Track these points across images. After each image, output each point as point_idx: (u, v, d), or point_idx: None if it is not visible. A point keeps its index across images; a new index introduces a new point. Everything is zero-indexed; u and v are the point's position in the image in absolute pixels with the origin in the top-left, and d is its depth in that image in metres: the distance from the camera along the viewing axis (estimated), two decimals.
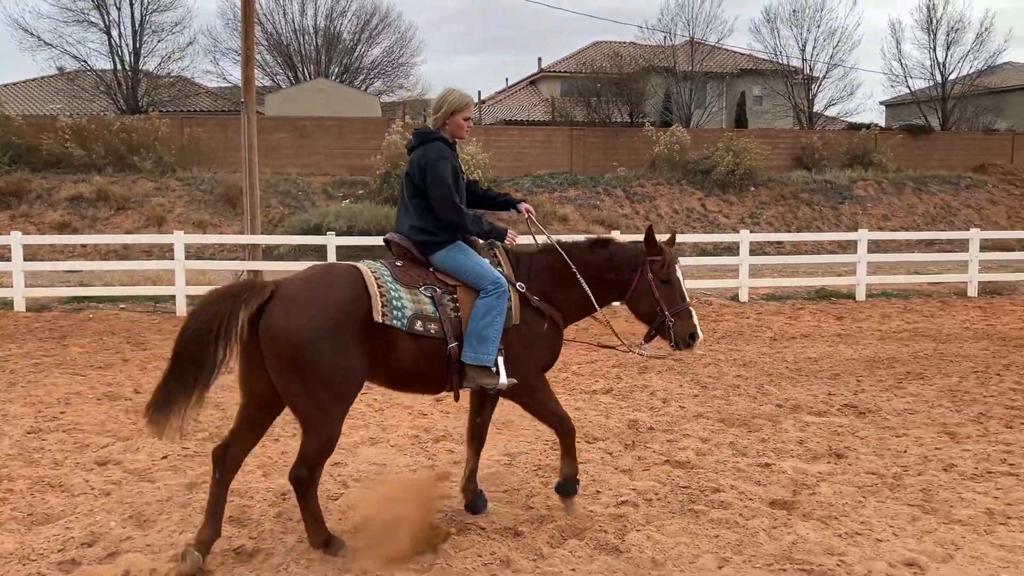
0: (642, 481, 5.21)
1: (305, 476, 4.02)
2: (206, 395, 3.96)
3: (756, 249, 22.00)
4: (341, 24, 36.54)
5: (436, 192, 4.37)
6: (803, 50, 34.51)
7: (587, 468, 5.41)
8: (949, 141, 32.70)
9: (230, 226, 20.86)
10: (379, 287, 4.12)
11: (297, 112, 26.62)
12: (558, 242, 4.72)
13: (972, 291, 15.08)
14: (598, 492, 4.99)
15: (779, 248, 23.01)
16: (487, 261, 4.47)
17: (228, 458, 4.13)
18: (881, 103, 46.15)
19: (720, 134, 28.23)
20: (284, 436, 6.16)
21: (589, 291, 4.54)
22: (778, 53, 34.87)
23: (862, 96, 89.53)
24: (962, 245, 16.57)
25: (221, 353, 3.87)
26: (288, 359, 3.88)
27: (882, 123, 40.38)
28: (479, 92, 38.38)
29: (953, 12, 48.89)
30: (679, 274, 4.67)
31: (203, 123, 25.66)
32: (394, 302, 4.12)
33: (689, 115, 32.27)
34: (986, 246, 17.03)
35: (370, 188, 23.02)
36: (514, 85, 42.68)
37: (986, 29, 36.02)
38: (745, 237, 14.81)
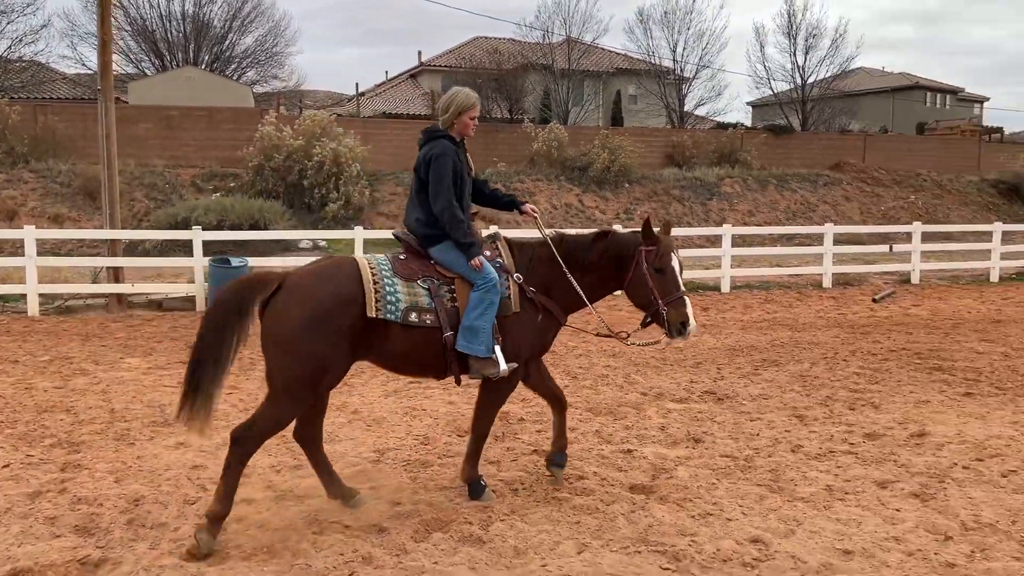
0: (509, 472, 5.28)
1: (247, 438, 4.20)
2: (221, 385, 4.28)
3: None
4: (211, 11, 35.09)
5: (434, 188, 4.59)
6: (674, 51, 35.76)
7: (456, 461, 5.43)
8: (808, 141, 34.64)
9: (90, 220, 19.66)
10: (374, 282, 4.38)
11: (164, 101, 25.37)
12: (562, 236, 4.95)
13: (827, 282, 16.06)
14: (464, 484, 5.01)
15: None
16: (486, 253, 4.65)
17: (307, 438, 4.66)
18: (747, 104, 48.44)
19: (596, 132, 28.87)
20: (140, 440, 5.89)
21: (576, 283, 4.73)
22: (651, 53, 35.99)
23: (729, 97, 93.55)
24: (818, 239, 17.59)
25: (236, 341, 4.25)
26: (275, 342, 4.24)
27: (748, 123, 42.36)
28: (356, 85, 37.85)
29: (811, 19, 51.74)
30: (674, 263, 4.74)
31: (60, 111, 24.06)
32: (388, 296, 4.38)
33: (567, 112, 32.84)
34: (840, 240, 18.13)
35: (242, 181, 22.23)
36: (394, 78, 42.20)
37: (840, 36, 38.40)
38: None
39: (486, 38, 37.70)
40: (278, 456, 5.56)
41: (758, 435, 6.14)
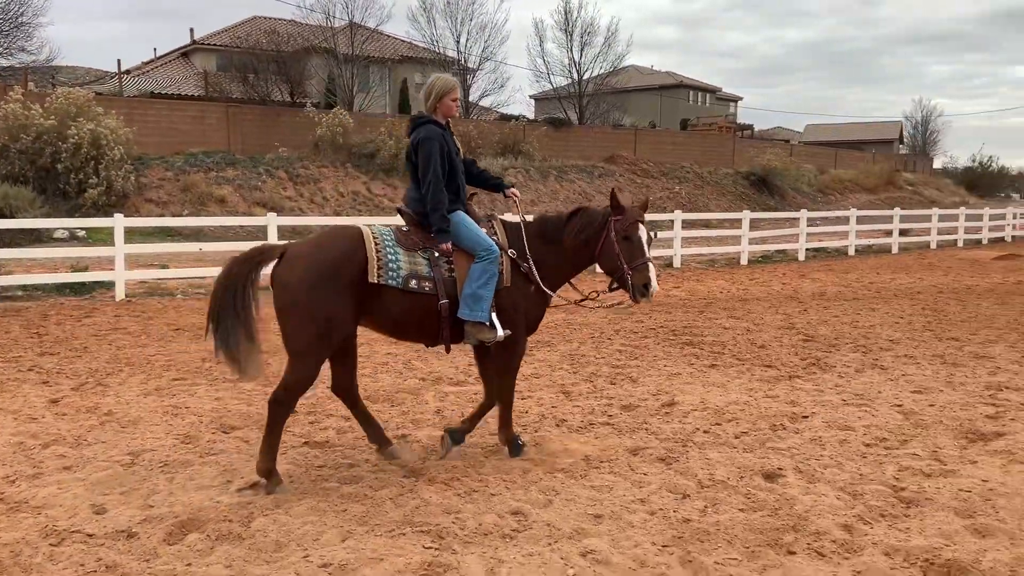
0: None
1: (283, 399, 4.65)
2: (257, 335, 4.70)
3: None
4: None
5: (423, 170, 4.92)
6: (458, 42, 36.24)
7: (219, 459, 5.21)
8: (585, 134, 36.45)
9: None
10: (377, 250, 4.70)
11: None
12: (543, 216, 5.44)
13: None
14: (228, 482, 4.82)
15: None
16: (481, 230, 4.98)
17: (344, 392, 5.14)
18: (530, 96, 50.09)
19: (383, 119, 28.64)
20: None
21: (557, 258, 5.17)
22: (435, 43, 36.21)
23: (512, 89, 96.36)
24: None
25: (246, 301, 4.64)
26: (284, 305, 4.60)
27: (531, 115, 43.82)
28: (119, 61, 34.83)
29: (586, 16, 54.29)
30: (640, 232, 5.06)
31: None
32: (390, 264, 4.71)
33: (352, 98, 32.28)
34: None
35: None
36: (163, 56, 39.39)
37: (612, 34, 40.70)
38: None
39: (265, 18, 36.17)
40: (14, 466, 5.04)
41: (527, 412, 6.40)
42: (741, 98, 66.12)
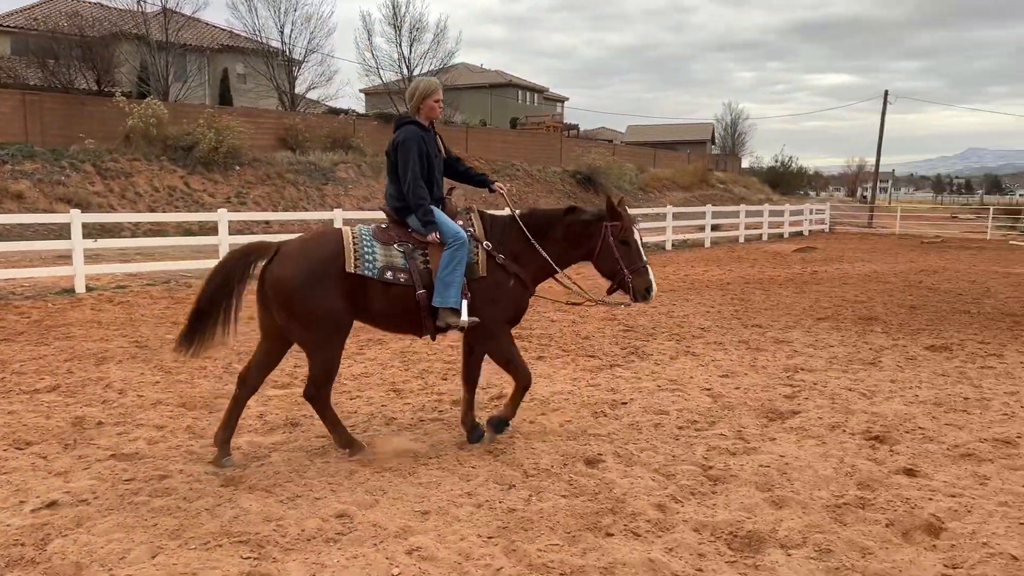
0: (79, 482, 4.74)
1: (315, 393, 5.12)
2: (228, 333, 5.04)
3: (244, 228, 21.84)
4: None
5: (402, 170, 5.20)
6: (282, 32, 35.01)
7: (11, 478, 4.75)
8: None
9: None
10: (354, 245, 5.03)
11: None
12: (532, 210, 5.64)
13: None
14: (21, 503, 4.40)
15: (268, 228, 23.14)
16: (452, 220, 5.23)
17: (249, 379, 5.27)
18: (360, 91, 49.25)
19: (203, 110, 27.19)
20: None
21: (543, 252, 5.35)
22: (257, 32, 34.80)
23: (340, 82, 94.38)
24: None
25: (234, 299, 5.00)
26: (283, 302, 4.93)
27: (361, 109, 43.11)
28: None
29: (415, 12, 54.11)
30: (636, 236, 5.33)
31: None
32: (367, 256, 5.02)
33: (167, 88, 30.43)
34: None
35: None
36: None
37: (441, 31, 40.72)
38: (223, 216, 14.54)
39: None
40: None
41: (356, 412, 6.29)
42: (567, 98, 68.24)
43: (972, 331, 10.20)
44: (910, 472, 4.99)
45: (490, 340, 5.37)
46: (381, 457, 5.17)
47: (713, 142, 77.98)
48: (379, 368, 7.85)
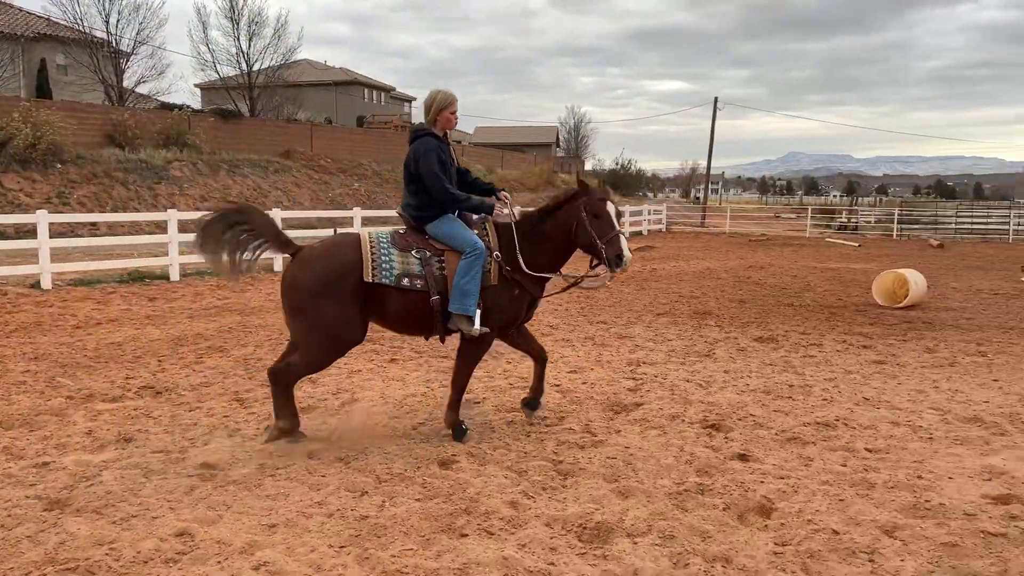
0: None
1: (283, 376, 5.38)
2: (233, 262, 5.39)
3: (67, 231, 20.24)
4: None
5: (428, 180, 5.38)
6: (107, 22, 32.74)
7: None
8: (258, 127, 35.00)
9: None
10: (372, 252, 5.26)
11: None
12: (524, 214, 5.75)
13: (278, 265, 16.43)
14: None
15: (94, 230, 21.59)
16: (469, 230, 5.45)
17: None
18: (196, 86, 46.89)
19: (16, 103, 25.01)
20: None
21: (546, 254, 5.60)
22: (79, 21, 32.37)
23: (173, 77, 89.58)
24: None
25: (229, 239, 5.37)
26: (294, 306, 5.25)
27: (198, 105, 41.06)
28: None
29: (253, 6, 52.08)
30: (609, 208, 5.44)
31: None
32: (384, 264, 5.26)
33: None
34: (292, 224, 18.73)
35: None
36: None
37: (282, 26, 39.46)
38: (43, 218, 13.43)
39: None
40: None
41: (195, 424, 5.97)
42: (414, 98, 67.88)
43: (795, 323, 11.02)
44: (743, 457, 5.31)
45: (478, 341, 5.54)
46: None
47: (558, 144, 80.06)
48: (220, 377, 7.50)
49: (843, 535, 4.09)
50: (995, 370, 8.12)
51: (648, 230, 34.39)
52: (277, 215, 16.63)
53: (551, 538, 4.05)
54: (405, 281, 5.29)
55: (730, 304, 12.90)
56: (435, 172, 5.39)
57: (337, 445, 5.45)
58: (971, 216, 42.98)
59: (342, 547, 3.91)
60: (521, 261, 5.49)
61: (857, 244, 28.95)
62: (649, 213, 35.86)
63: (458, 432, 5.62)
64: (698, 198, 70.06)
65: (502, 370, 7.85)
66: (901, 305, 12.47)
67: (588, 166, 76.49)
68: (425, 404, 6.58)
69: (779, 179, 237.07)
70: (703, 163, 55.88)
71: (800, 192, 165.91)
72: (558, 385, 7.24)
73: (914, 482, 4.87)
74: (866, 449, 5.51)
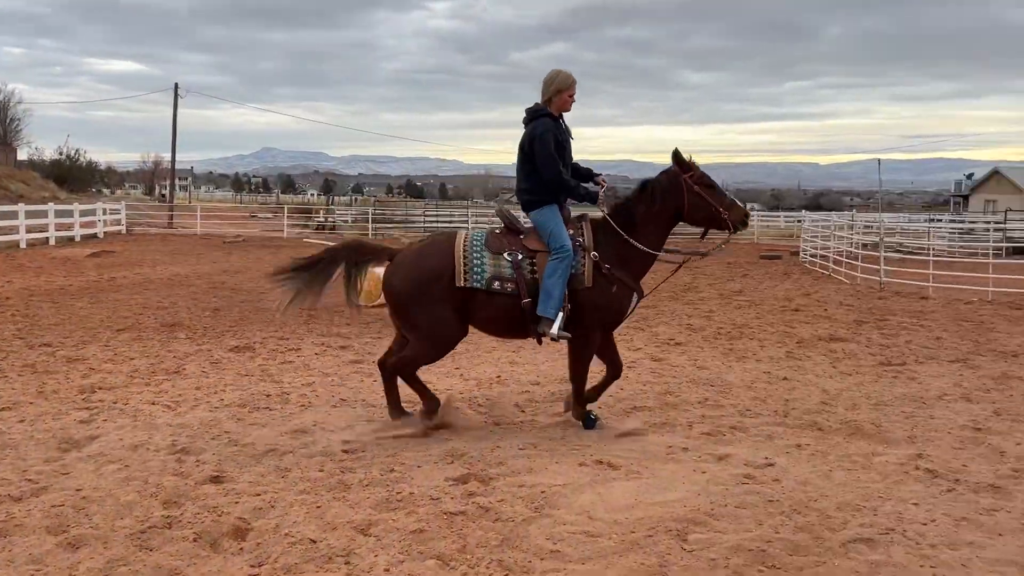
0: None
1: (399, 369, 6.23)
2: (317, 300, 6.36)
3: None
4: None
5: (541, 160, 5.90)
6: None
7: None
8: None
9: None
10: (464, 256, 5.86)
11: None
12: (616, 205, 6.20)
13: None
14: None
15: None
16: (564, 229, 5.89)
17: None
18: None
19: None
20: None
21: (647, 245, 6.10)
22: None
23: None
24: None
25: (327, 280, 6.29)
26: (394, 306, 6.15)
27: None
28: None
29: None
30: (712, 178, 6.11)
31: None
32: (475, 268, 5.84)
33: None
34: None
35: None
36: None
37: None
38: None
39: None
40: None
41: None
42: None
43: (272, 329, 11.26)
44: (216, 479, 5.25)
45: (581, 343, 6.05)
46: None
47: None
48: None
49: (320, 542, 4.31)
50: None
51: (105, 232, 31.86)
52: None
53: None
54: (496, 285, 5.80)
55: (203, 313, 12.65)
56: (551, 154, 5.83)
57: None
58: (436, 215, 48.87)
59: None
60: (642, 245, 5.99)
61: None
62: (105, 213, 33.27)
63: (588, 422, 6.25)
64: (164, 195, 67.09)
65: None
66: (376, 304, 13.61)
67: (23, 155, 67.70)
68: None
69: (255, 175, 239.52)
70: (167, 156, 53.55)
71: (277, 190, 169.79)
72: None
73: (387, 476, 5.36)
74: (343, 451, 5.89)
